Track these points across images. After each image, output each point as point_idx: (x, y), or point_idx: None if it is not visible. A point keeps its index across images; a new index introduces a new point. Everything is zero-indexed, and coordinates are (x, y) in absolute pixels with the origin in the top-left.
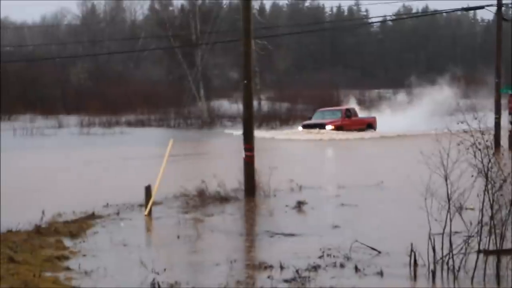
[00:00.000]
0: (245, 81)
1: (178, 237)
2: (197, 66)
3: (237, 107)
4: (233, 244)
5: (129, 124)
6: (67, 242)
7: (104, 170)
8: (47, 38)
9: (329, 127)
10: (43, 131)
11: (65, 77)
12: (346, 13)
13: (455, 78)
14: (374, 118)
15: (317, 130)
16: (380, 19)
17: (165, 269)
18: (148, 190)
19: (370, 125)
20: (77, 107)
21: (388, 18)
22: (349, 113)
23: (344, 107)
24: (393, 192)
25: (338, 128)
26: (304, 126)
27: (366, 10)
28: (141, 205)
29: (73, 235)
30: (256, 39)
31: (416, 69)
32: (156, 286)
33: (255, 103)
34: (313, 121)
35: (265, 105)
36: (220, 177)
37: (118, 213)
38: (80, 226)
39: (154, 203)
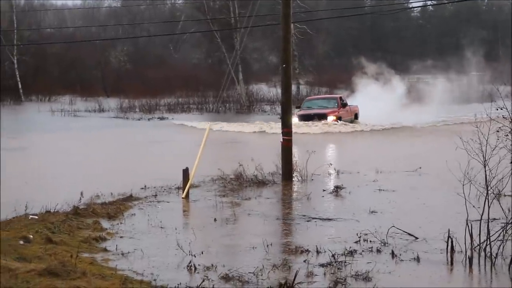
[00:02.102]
0: (284, 65)
1: (215, 220)
2: (235, 50)
3: (275, 91)
4: (270, 228)
5: (169, 107)
6: (105, 223)
7: (144, 153)
8: (87, 20)
9: (330, 117)
10: (82, 113)
11: (105, 59)
12: None
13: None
14: (357, 107)
15: (315, 121)
16: (420, 4)
17: (202, 252)
18: (185, 173)
19: (356, 115)
20: (117, 90)
21: (429, 3)
22: (343, 101)
23: (337, 95)
24: (431, 178)
25: (338, 118)
26: (302, 117)
27: None
28: (178, 188)
29: (110, 217)
30: (295, 23)
31: (456, 54)
32: (193, 268)
33: (293, 87)
34: (311, 111)
35: (304, 90)
36: (257, 160)
37: (155, 196)
38: (117, 208)
39: (192, 186)
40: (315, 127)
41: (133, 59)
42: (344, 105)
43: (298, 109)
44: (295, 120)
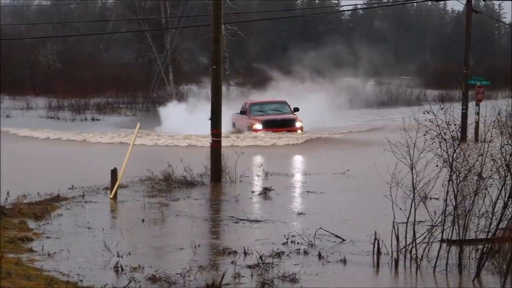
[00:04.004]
0: (214, 67)
1: (143, 221)
2: (166, 50)
3: (206, 92)
4: (198, 229)
5: (99, 107)
6: (31, 223)
7: (72, 154)
8: (17, 18)
9: (299, 124)
10: (10, 112)
11: (34, 58)
12: (317, 0)
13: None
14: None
15: (280, 129)
16: (350, 7)
17: (129, 253)
18: (114, 173)
19: None
20: (46, 89)
21: (359, 6)
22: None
23: (281, 99)
24: (359, 181)
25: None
26: (266, 124)
27: None
28: (106, 188)
29: (37, 217)
30: (226, 24)
31: (384, 58)
32: (119, 269)
33: (223, 88)
34: (274, 116)
35: (234, 91)
36: (186, 162)
37: (83, 196)
38: (44, 208)
39: (120, 187)
40: (241, 140)
41: (63, 58)
42: (296, 109)
43: (244, 114)
44: (258, 126)
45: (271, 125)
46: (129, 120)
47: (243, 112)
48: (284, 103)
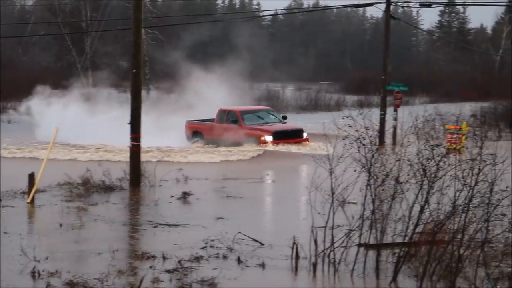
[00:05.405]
0: (134, 71)
1: (61, 225)
2: (86, 54)
3: (126, 96)
4: (116, 234)
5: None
6: None
7: None
8: None
9: (305, 134)
10: None
11: None
12: (238, 5)
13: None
14: None
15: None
16: (271, 12)
17: (46, 258)
18: (31, 177)
19: None
20: None
21: (279, 12)
22: None
23: (266, 107)
24: (279, 185)
25: None
26: (277, 135)
27: (258, 4)
28: (24, 193)
29: None
30: (147, 28)
31: (306, 63)
32: (37, 274)
33: (143, 92)
34: (285, 126)
35: (154, 95)
36: (105, 166)
37: None
38: None
39: (38, 191)
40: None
41: None
42: (284, 117)
43: (231, 122)
44: (268, 138)
45: (282, 136)
46: None
47: (234, 121)
48: (272, 111)
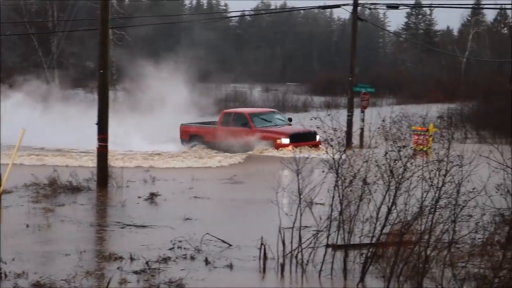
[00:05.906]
0: (101, 71)
1: (27, 226)
2: (52, 54)
3: (92, 97)
4: (83, 235)
5: None
6: None
7: None
8: None
9: (318, 137)
10: None
11: None
12: (205, 6)
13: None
14: None
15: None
16: (238, 13)
17: (13, 259)
18: None
19: None
20: None
21: (247, 13)
22: None
23: (271, 109)
24: (246, 186)
25: None
26: (293, 138)
27: (226, 5)
28: None
29: None
30: (113, 28)
31: (273, 64)
32: (3, 275)
33: (111, 93)
34: (299, 129)
35: (121, 96)
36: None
37: None
38: None
39: (4, 192)
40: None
41: None
42: (290, 119)
43: (245, 126)
44: (285, 140)
45: (297, 139)
46: None
47: (243, 124)
48: (278, 113)
